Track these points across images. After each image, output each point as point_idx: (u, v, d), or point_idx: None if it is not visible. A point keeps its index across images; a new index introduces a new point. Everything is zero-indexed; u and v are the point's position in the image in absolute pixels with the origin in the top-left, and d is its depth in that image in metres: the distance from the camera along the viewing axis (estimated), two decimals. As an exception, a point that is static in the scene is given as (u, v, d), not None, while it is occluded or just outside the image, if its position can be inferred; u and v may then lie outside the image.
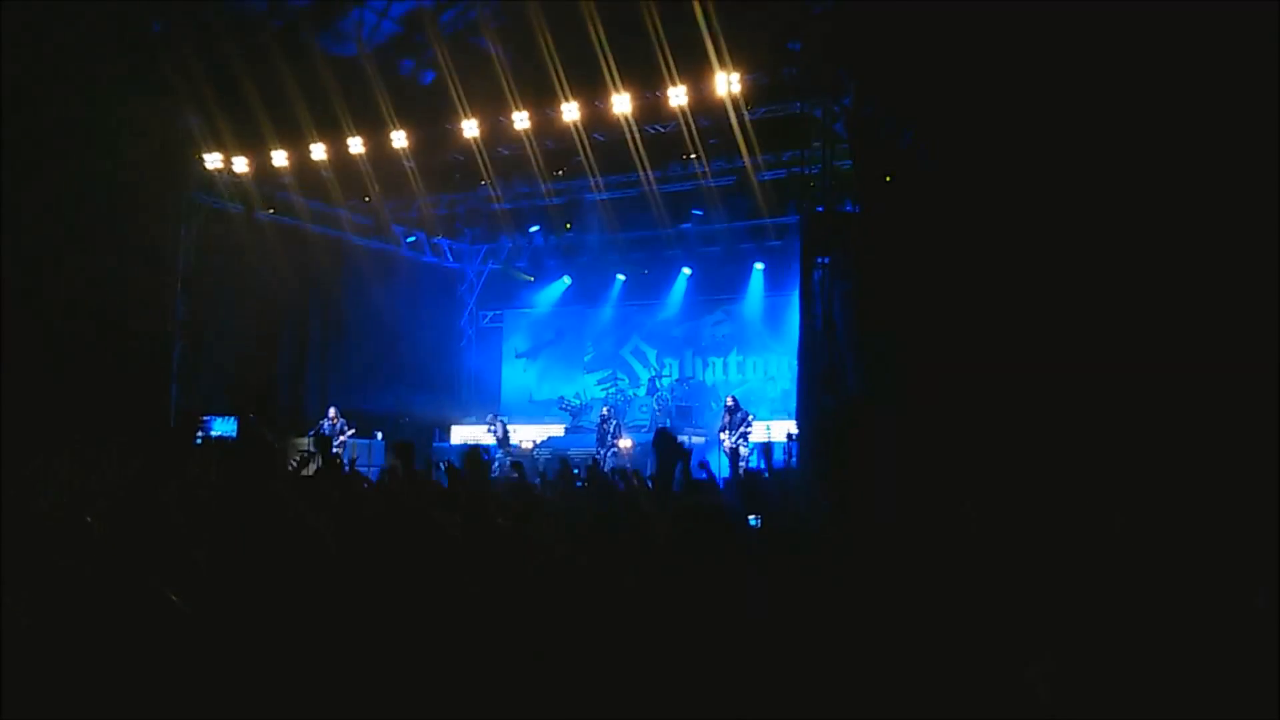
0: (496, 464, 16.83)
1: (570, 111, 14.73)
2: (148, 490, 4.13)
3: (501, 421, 19.06)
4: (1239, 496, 5.95)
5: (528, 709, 2.81)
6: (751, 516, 5.22)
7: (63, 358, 13.83)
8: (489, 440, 18.55)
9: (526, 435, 19.46)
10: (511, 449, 18.33)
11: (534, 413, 21.72)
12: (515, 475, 10.42)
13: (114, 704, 2.43)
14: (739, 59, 13.48)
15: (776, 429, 16.88)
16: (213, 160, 16.66)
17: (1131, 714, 2.63)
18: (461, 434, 20.06)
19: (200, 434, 15.75)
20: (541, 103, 14.95)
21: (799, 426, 13.15)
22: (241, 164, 16.83)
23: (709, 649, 2.84)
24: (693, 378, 21.03)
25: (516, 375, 23.05)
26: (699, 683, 2.77)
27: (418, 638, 3.01)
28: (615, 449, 16.83)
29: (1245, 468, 7.84)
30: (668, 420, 19.61)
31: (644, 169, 16.45)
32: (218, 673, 2.83)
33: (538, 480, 10.50)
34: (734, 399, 16.70)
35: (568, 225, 19.88)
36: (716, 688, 2.77)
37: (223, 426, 15.91)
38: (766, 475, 10.99)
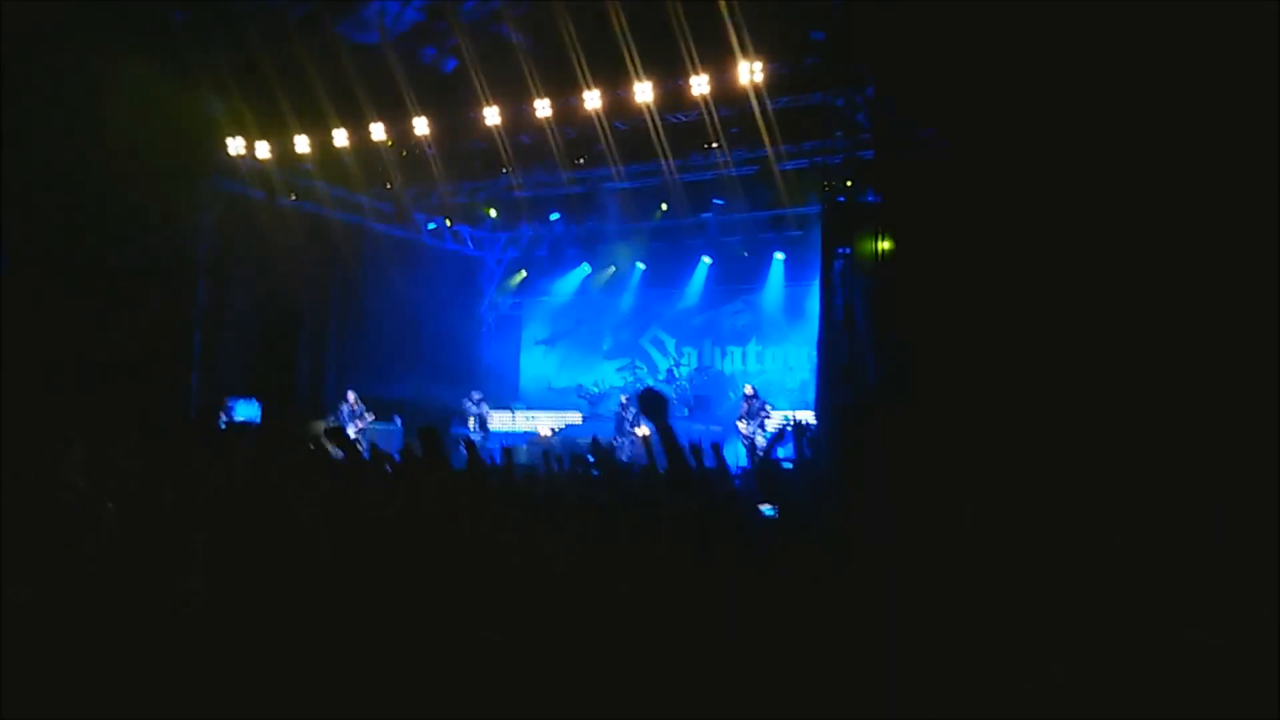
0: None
1: (592, 100, 14.73)
2: (169, 479, 4.17)
3: (485, 403, 18.67)
4: (1242, 500, 5.91)
5: (527, 709, 2.82)
6: (766, 506, 5.20)
7: (84, 342, 13.95)
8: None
9: (545, 423, 19.50)
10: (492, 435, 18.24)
11: (552, 400, 21.76)
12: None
13: (117, 703, 2.45)
14: (761, 48, 13.43)
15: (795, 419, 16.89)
16: (235, 146, 16.74)
17: (1133, 715, 2.63)
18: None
19: (224, 417, 15.86)
20: (563, 91, 14.95)
21: (817, 419, 13.13)
22: (263, 150, 16.91)
23: (710, 650, 2.85)
24: (711, 367, 21.03)
25: (535, 363, 23.10)
26: (699, 683, 2.77)
27: (418, 635, 3.02)
28: (634, 437, 16.83)
29: (1249, 470, 7.79)
30: (685, 409, 19.62)
31: (665, 158, 16.43)
32: (227, 670, 2.86)
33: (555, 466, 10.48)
34: (753, 388, 16.68)
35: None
36: (718, 687, 2.77)
37: (245, 410, 16.01)
38: (789, 464, 10.98)
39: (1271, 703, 2.36)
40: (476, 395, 18.80)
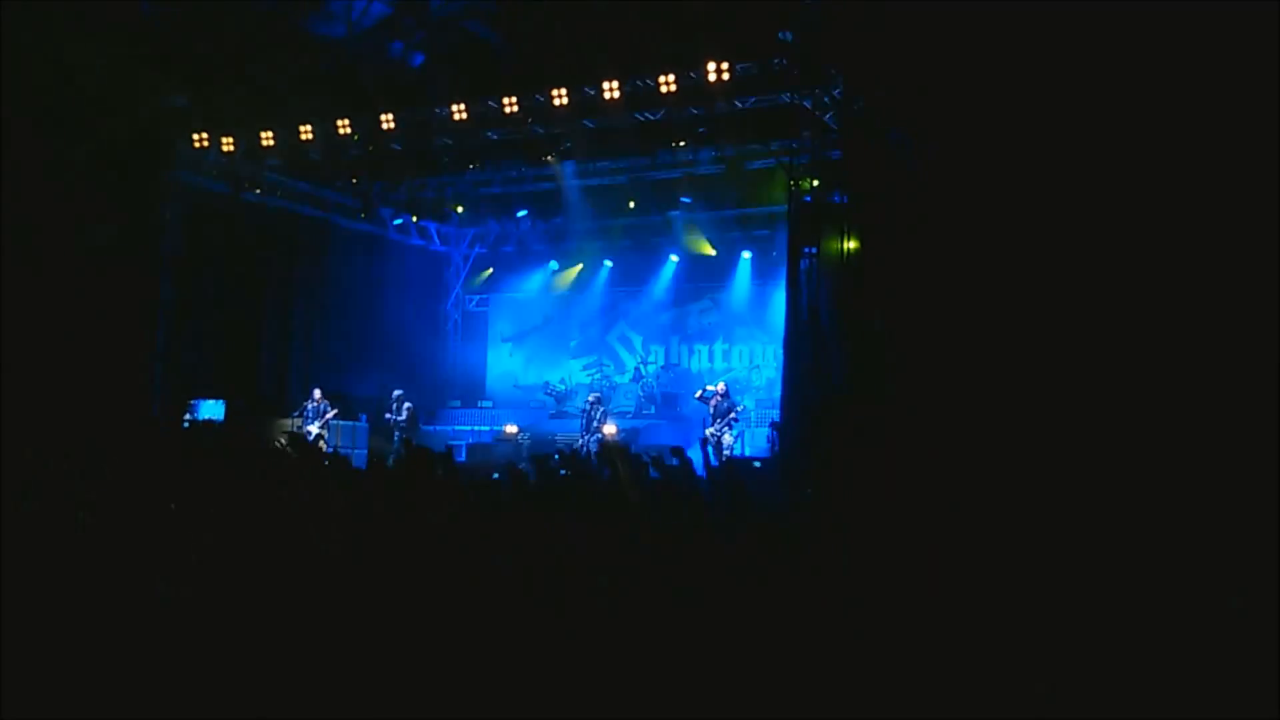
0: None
1: (560, 97, 14.70)
2: (137, 484, 4.13)
3: (409, 406, 17.76)
4: (1237, 496, 6.02)
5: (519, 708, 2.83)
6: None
7: (45, 339, 13.76)
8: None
9: (511, 420, 19.44)
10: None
11: (519, 398, 21.72)
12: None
13: (113, 700, 2.44)
14: (729, 48, 13.46)
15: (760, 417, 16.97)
16: (199, 140, 16.57)
17: (1129, 714, 2.67)
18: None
19: (188, 417, 15.68)
20: (531, 87, 14.92)
21: (783, 417, 13.19)
22: (228, 144, 16.74)
23: (693, 645, 2.87)
24: (678, 365, 21.06)
25: (502, 360, 23.03)
26: (689, 680, 2.79)
27: (406, 631, 3.02)
28: (600, 435, 16.81)
29: (1244, 467, 7.93)
30: (652, 407, 19.64)
31: (633, 156, 16.45)
32: (211, 667, 2.85)
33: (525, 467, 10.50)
34: (726, 385, 16.54)
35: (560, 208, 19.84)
36: (706, 684, 2.79)
37: (210, 410, 15.84)
38: (758, 465, 11.04)
39: (1271, 703, 2.40)
40: (396, 393, 18.40)
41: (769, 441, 13.83)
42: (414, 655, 2.75)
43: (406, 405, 17.72)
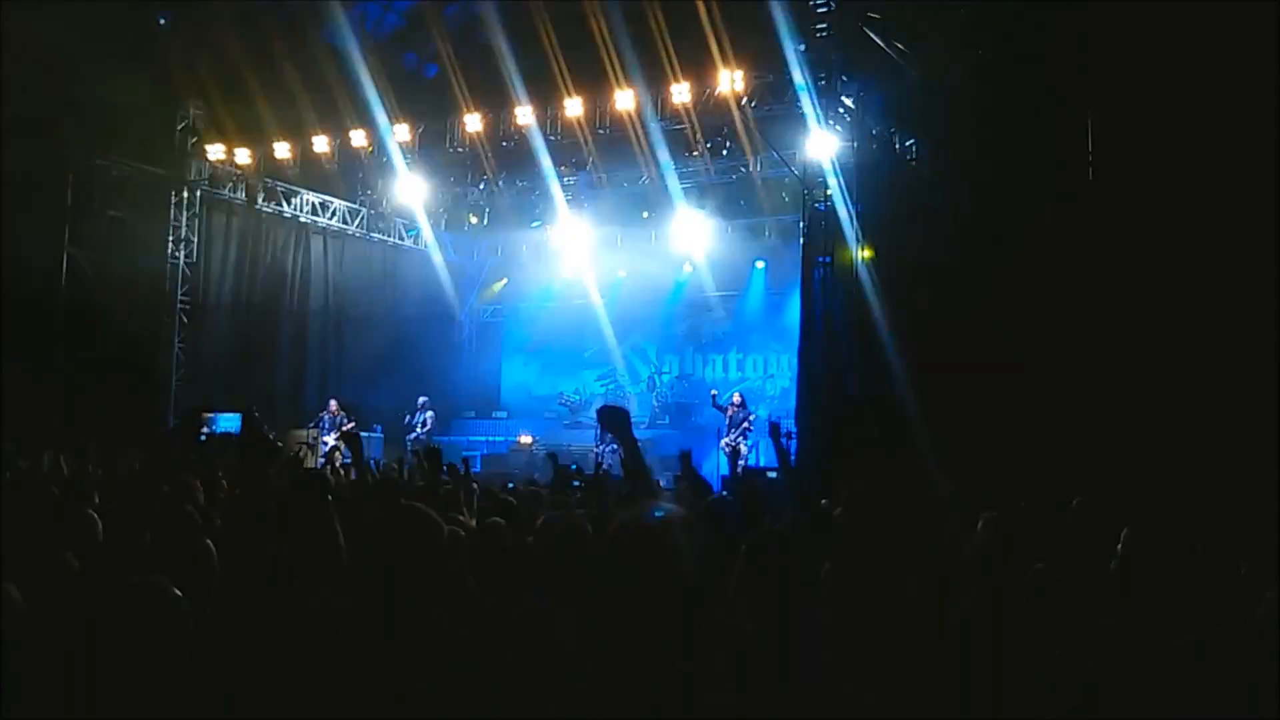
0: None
1: (574, 107, 14.74)
2: (153, 488, 4.14)
3: (429, 414, 17.79)
4: (1240, 499, 5.97)
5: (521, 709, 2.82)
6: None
7: (62, 351, 13.84)
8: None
9: (525, 431, 19.42)
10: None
11: (533, 408, 21.69)
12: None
13: (115, 703, 2.44)
14: (743, 57, 13.48)
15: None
16: (215, 151, 16.68)
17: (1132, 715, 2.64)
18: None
19: (205, 431, 15.71)
20: (545, 98, 14.97)
21: (797, 427, 13.13)
22: (244, 155, 16.84)
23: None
24: (692, 375, 21.00)
25: (516, 371, 23.01)
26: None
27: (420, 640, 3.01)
28: (614, 445, 16.77)
29: (1246, 468, 7.88)
30: (666, 417, 19.59)
31: (647, 165, 16.48)
32: (221, 673, 2.84)
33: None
34: (741, 395, 16.51)
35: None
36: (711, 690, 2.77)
37: (227, 423, 15.86)
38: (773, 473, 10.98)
39: (1271, 703, 2.38)
40: (422, 400, 18.37)
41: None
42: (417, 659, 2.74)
43: (427, 415, 17.74)
